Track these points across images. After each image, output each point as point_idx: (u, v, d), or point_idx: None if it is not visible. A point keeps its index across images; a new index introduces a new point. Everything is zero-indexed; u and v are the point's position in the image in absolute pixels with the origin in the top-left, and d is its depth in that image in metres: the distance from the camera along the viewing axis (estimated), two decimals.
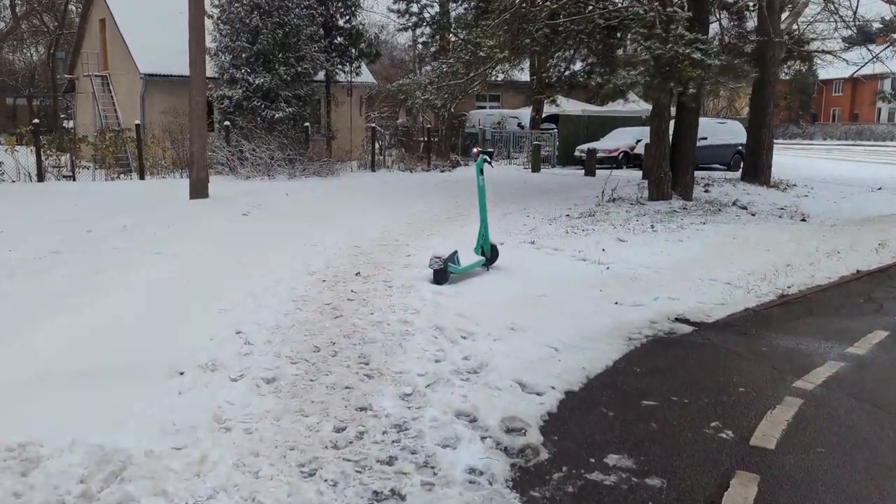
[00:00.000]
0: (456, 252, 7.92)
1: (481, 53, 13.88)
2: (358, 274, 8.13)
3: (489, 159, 8.45)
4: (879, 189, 18.74)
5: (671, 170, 14.41)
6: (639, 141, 26.55)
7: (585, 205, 13.90)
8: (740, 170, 19.22)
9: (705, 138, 25.65)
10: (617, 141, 26.80)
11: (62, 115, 41.19)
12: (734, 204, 14.14)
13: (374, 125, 25.16)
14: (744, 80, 16.60)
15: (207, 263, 8.32)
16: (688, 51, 11.22)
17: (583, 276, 8.18)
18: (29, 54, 52.34)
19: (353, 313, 6.48)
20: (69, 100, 35.05)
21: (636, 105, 32.06)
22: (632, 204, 14.01)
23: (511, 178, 21.04)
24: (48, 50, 45.27)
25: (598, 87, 18.92)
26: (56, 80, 41.92)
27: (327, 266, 8.45)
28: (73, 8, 41.07)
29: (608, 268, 8.52)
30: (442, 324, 6.09)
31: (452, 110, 27.92)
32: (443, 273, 7.68)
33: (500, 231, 10.60)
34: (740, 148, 26.95)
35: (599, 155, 26.20)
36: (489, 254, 8.57)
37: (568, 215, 12.32)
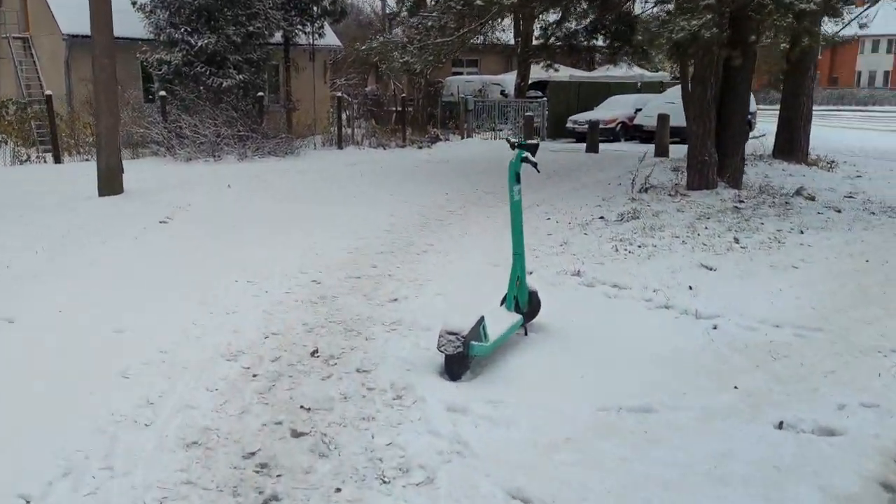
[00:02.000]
0: (482, 320, 4.58)
1: (478, 2, 10.45)
2: (315, 354, 4.78)
3: (531, 158, 5.10)
4: None
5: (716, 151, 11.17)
6: (638, 110, 23.32)
7: (615, 198, 10.60)
8: (772, 146, 16.08)
9: None
10: (613, 110, 23.51)
11: None
12: (798, 193, 10.94)
13: (340, 94, 21.56)
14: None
15: (62, 339, 4.89)
16: None
17: (682, 347, 4.90)
18: None
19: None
20: None
21: (630, 70, 28.75)
22: (671, 195, 10.75)
23: (498, 156, 17.65)
24: None
25: (612, 49, 15.60)
26: None
27: (264, 335, 5.07)
28: None
29: (715, 326, 5.25)
30: None
31: (428, 76, 24.43)
32: (461, 361, 4.36)
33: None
34: (749, 117, 23.87)
35: None
36: (526, 307, 5.25)
37: (603, 217, 9.02)
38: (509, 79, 27.04)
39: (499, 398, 4.06)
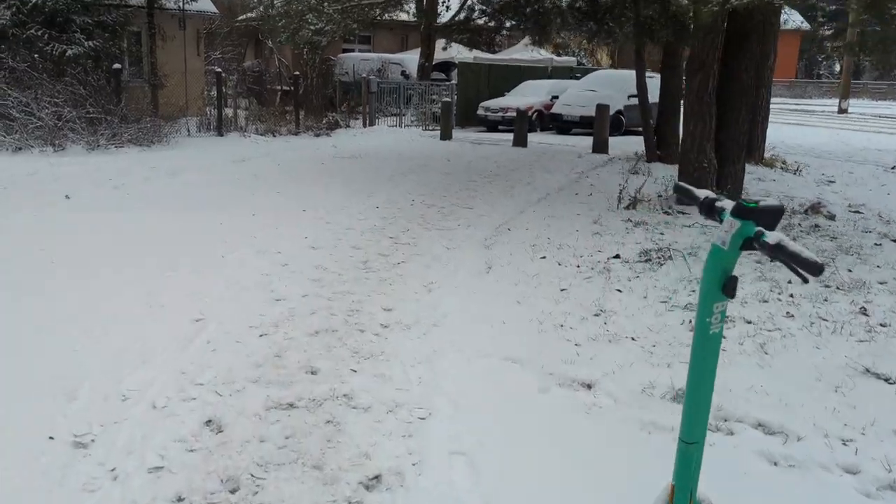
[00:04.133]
0: None
1: None
2: None
3: (766, 243, 2.06)
4: (894, 168, 14.08)
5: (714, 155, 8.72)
6: (554, 97, 20.93)
7: (604, 218, 7.91)
8: None
9: (635, 95, 20.42)
10: (528, 97, 21.00)
11: None
12: (816, 211, 8.67)
13: (218, 69, 17.84)
14: None
15: None
16: None
17: None
18: None
19: None
20: None
21: (538, 53, 26.36)
22: (667, 212, 8.23)
23: (419, 150, 14.70)
24: None
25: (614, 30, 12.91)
26: None
27: None
28: None
29: None
30: None
31: (321, 52, 21.06)
32: None
33: (546, 346, 4.53)
34: None
35: (510, 115, 20.35)
36: None
37: (619, 256, 6.28)
38: (410, 58, 24.03)
39: None
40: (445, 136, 16.45)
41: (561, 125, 20.12)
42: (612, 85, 20.50)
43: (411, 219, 8.08)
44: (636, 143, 16.97)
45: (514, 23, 14.38)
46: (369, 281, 5.73)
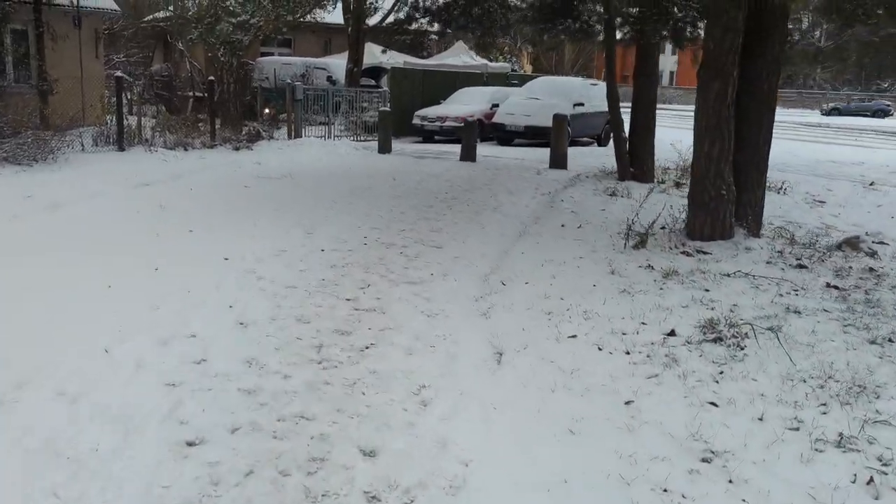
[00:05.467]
0: None
1: None
2: None
3: None
4: (872, 184, 12.95)
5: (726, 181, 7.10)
6: (494, 106, 19.22)
7: (621, 264, 6.12)
8: None
9: (581, 104, 18.94)
10: (467, 105, 19.23)
11: None
12: (854, 247, 7.16)
13: (119, 73, 15.32)
14: None
15: None
16: None
17: None
18: None
19: None
20: None
21: (471, 59, 24.69)
22: (686, 253, 6.55)
23: (357, 167, 12.69)
24: None
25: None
26: None
27: None
28: None
29: None
30: None
31: (241, 53, 18.78)
32: None
33: None
34: None
35: (448, 124, 18.58)
36: None
37: (675, 333, 4.51)
38: (335, 63, 21.88)
39: None
40: (384, 148, 14.47)
41: (503, 136, 18.44)
42: (556, 92, 18.98)
43: (369, 266, 6.13)
44: (592, 157, 15.43)
45: (460, 23, 12.52)
46: (331, 389, 3.77)
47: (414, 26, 13.37)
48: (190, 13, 14.00)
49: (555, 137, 13.18)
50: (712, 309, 4.90)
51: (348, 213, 8.28)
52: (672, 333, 4.47)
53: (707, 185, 7.06)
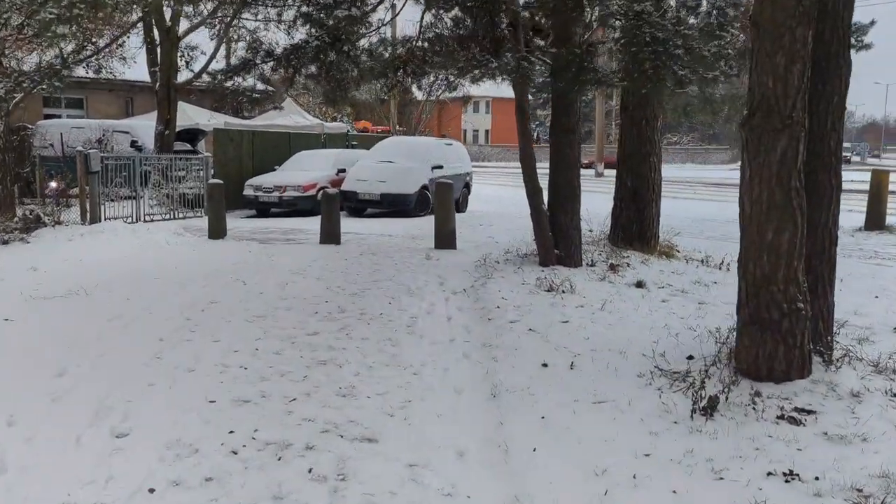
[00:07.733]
0: None
1: None
2: None
3: None
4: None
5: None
6: (340, 171, 16.19)
7: (656, 428, 3.32)
8: (609, 226, 10.24)
9: (440, 167, 16.33)
10: (309, 171, 16.04)
11: None
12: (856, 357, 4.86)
13: None
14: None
15: None
16: None
17: None
18: None
19: None
20: None
21: (302, 118, 21.54)
22: (775, 418, 3.89)
23: (186, 267, 9.03)
24: None
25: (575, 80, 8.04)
26: None
27: None
28: None
29: None
30: None
31: (6, 118, 14.32)
32: None
33: None
34: (468, 180, 18.22)
35: (289, 194, 15.31)
36: None
37: None
38: (142, 124, 17.86)
39: None
40: (217, 232, 10.85)
41: (356, 205, 15.42)
42: (411, 155, 16.33)
43: None
44: (470, 229, 12.68)
45: (312, 71, 9.45)
46: None
47: (248, 77, 10.04)
48: None
49: (440, 211, 10.34)
50: None
51: (188, 367, 4.83)
52: None
53: (774, 293, 4.48)
